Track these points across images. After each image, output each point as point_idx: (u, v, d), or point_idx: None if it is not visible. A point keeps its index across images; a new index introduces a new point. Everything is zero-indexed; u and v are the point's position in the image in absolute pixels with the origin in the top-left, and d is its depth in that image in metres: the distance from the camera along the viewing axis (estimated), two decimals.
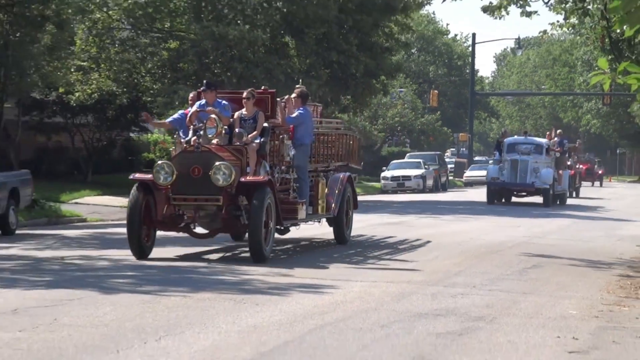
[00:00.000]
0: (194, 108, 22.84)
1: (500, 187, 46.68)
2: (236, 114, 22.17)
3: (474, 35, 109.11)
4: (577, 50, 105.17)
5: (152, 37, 56.11)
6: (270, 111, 23.20)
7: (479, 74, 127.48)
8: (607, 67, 16.16)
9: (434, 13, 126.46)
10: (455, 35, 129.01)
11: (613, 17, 19.66)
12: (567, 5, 33.86)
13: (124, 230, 26.40)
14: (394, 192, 77.32)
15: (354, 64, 58.82)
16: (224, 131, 21.43)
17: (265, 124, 21.78)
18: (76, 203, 49.48)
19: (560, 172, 48.61)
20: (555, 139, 51.64)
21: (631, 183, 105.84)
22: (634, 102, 63.67)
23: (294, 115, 23.26)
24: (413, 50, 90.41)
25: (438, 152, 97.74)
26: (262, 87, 28.79)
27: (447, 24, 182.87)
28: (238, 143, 21.34)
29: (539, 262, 26.19)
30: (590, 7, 32.34)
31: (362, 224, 39.40)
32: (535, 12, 35.56)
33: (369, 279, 21.65)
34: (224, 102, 22.08)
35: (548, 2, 32.63)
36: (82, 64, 55.06)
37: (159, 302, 18.09)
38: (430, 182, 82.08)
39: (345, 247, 30.68)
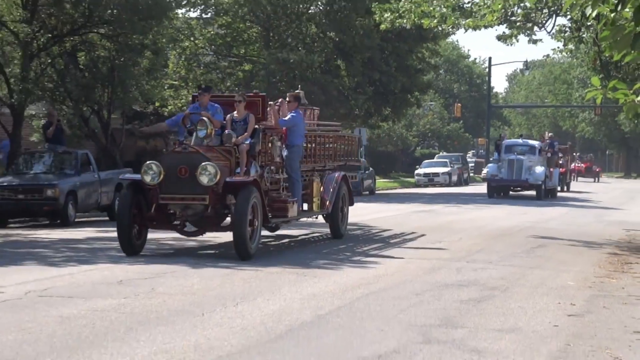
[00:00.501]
0: (188, 110, 21.73)
1: (498, 183, 46.36)
2: (228, 117, 20.61)
3: (490, 58, 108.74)
4: (573, 71, 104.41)
5: (230, 61, 56.09)
6: (261, 114, 21.63)
7: (494, 90, 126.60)
8: (599, 85, 16.27)
9: (457, 41, 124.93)
10: (475, 58, 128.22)
11: (603, 44, 19.77)
12: (566, 35, 33.78)
13: None
14: (425, 185, 76.46)
15: (392, 82, 58.60)
16: (214, 132, 19.86)
17: (256, 126, 20.22)
18: None
19: (551, 170, 48.34)
20: (547, 141, 51.19)
21: (618, 179, 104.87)
22: (621, 113, 62.96)
23: (286, 118, 21.67)
24: (440, 71, 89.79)
25: (461, 154, 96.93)
26: (254, 91, 28.42)
27: (468, 50, 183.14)
28: (227, 144, 19.79)
29: (542, 242, 26.25)
30: (584, 35, 32.30)
31: (400, 212, 39.37)
32: (540, 40, 35.76)
33: (405, 256, 21.77)
34: (216, 105, 20.69)
35: (550, 31, 32.52)
36: (173, 82, 55.00)
37: (236, 274, 18.71)
38: (454, 178, 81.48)
39: (385, 232, 30.21)
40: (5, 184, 33.51)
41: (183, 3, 51.50)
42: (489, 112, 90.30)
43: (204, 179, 18.27)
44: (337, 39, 55.26)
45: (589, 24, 26.65)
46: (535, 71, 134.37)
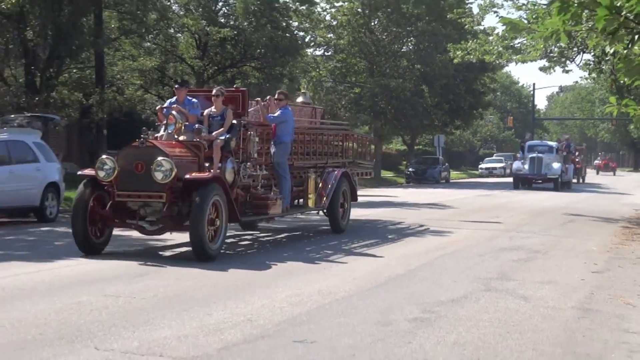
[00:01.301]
0: (164, 105, 17.12)
1: (522, 176, 44.22)
2: (206, 112, 16.37)
3: (534, 84, 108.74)
4: (595, 93, 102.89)
5: (344, 86, 55.96)
6: (242, 109, 17.08)
7: (537, 107, 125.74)
8: (615, 102, 16.19)
9: (510, 71, 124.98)
10: (523, 84, 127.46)
11: (618, 73, 19.62)
12: (590, 66, 33.50)
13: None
14: (486, 176, 75.57)
15: (462, 101, 58.18)
16: (183, 127, 15.60)
17: (234, 121, 15.79)
18: None
19: (567, 166, 46.02)
20: (564, 142, 48.97)
21: (629, 172, 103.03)
22: (631, 123, 61.89)
23: (275, 114, 17.40)
24: (497, 93, 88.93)
25: (512, 153, 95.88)
26: (235, 86, 22.40)
27: (518, 77, 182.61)
28: (197, 139, 15.34)
29: (572, 219, 25.92)
30: (604, 67, 31.90)
31: (467, 195, 38.93)
32: (571, 70, 35.69)
33: (471, 227, 21.62)
34: (193, 100, 16.46)
35: (578, 64, 32.39)
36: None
37: (353, 241, 18.55)
38: (507, 171, 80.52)
39: (456, 209, 29.51)
40: None
41: (311, 44, 51.65)
42: (533, 123, 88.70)
43: (158, 175, 14.04)
44: (422, 70, 54.99)
45: (607, 58, 26.29)
46: (567, 93, 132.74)
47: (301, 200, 19.49)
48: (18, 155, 21.72)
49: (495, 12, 30.33)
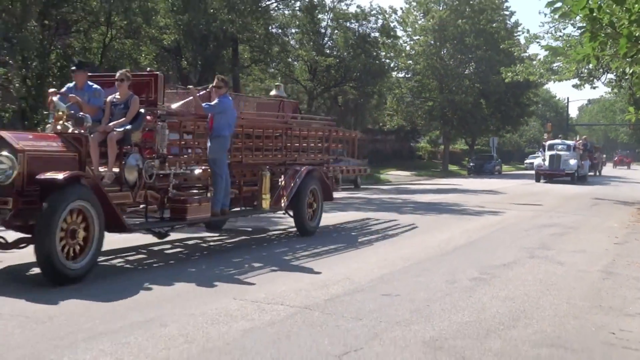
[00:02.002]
0: (60, 91, 11.27)
1: (543, 171, 41.05)
2: (108, 99, 11.10)
3: (568, 97, 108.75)
4: (617, 104, 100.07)
5: (420, 100, 55.45)
6: (154, 96, 11.52)
7: (570, 115, 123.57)
8: (633, 111, 15.95)
9: (549, 87, 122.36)
10: (559, 97, 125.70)
11: (635, 88, 19.29)
12: (613, 83, 32.92)
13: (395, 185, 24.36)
14: (530, 169, 74.53)
15: (511, 111, 57.51)
16: (65, 117, 10.12)
17: (141, 110, 10.79)
18: (387, 174, 46.56)
19: (583, 162, 42.96)
20: (581, 141, 45.71)
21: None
22: None
23: (212, 102, 12.22)
24: (539, 105, 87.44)
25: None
26: (148, 69, 15.67)
27: (555, 92, 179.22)
28: (81, 130, 10.03)
29: (597, 202, 25.32)
30: (624, 84, 31.31)
31: (515, 184, 38.31)
32: (597, 87, 35.22)
33: (518, 209, 21.22)
34: (95, 86, 11.14)
35: (604, 82, 31.96)
36: (389, 112, 54.82)
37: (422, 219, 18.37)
38: None
39: (505, 195, 28.75)
40: None
41: (395, 69, 51.34)
42: (567, 128, 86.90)
43: None
44: (480, 88, 54.33)
45: (626, 77, 25.70)
46: (594, 104, 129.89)
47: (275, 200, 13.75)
48: None
49: (537, 42, 30.08)
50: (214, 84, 12.39)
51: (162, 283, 8.85)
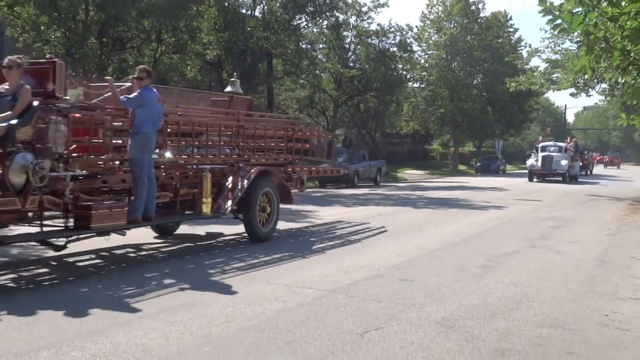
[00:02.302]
0: None
1: (536, 171, 38.85)
2: None
3: (565, 105, 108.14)
4: (609, 110, 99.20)
5: (433, 107, 54.99)
6: (53, 87, 8.55)
7: (567, 121, 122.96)
8: (624, 117, 15.82)
9: (548, 96, 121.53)
10: (557, 105, 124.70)
11: (626, 96, 19.17)
12: (606, 92, 32.60)
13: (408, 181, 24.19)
14: None
15: (515, 117, 57.17)
16: None
17: (35, 103, 7.90)
18: (403, 173, 46.37)
19: (573, 163, 40.38)
20: (572, 143, 43.01)
21: (632, 166, 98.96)
22: (636, 131, 59.72)
23: (132, 95, 9.48)
24: (539, 111, 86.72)
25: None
26: (47, 55, 10.12)
27: (554, 100, 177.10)
28: None
29: (591, 198, 25.07)
30: (616, 93, 31.03)
31: (518, 182, 37.99)
32: (592, 95, 35.06)
33: (520, 204, 21.09)
34: None
35: (598, 91, 31.64)
36: (406, 119, 54.50)
37: (436, 214, 18.26)
38: None
39: (509, 191, 28.53)
40: None
41: (411, 79, 50.97)
42: (565, 132, 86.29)
43: None
44: (487, 96, 54.06)
45: (618, 86, 25.44)
46: (589, 111, 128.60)
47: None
48: None
49: (538, 55, 29.87)
50: (136, 74, 9.80)
51: (203, 270, 8.95)
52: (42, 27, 21.37)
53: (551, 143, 41.23)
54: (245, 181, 10.99)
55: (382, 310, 6.75)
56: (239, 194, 10.83)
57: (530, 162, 39.94)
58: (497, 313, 6.78)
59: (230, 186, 10.90)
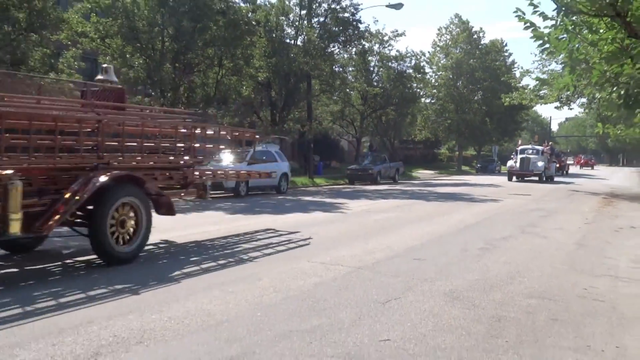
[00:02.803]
0: None
1: (515, 172, 35.43)
2: None
3: (550, 116, 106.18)
4: (587, 121, 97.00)
5: (442, 119, 54.50)
6: None
7: (552, 130, 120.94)
8: (600, 126, 15.52)
9: (536, 109, 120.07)
10: (544, 117, 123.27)
11: (602, 109, 18.82)
12: (585, 105, 32.15)
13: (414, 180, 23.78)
14: None
15: (508, 127, 56.49)
16: None
17: None
18: (417, 172, 46.09)
19: (550, 164, 36.96)
20: (548, 147, 39.52)
21: (605, 167, 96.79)
22: (609, 138, 58.25)
23: None
24: (529, 122, 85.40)
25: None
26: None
27: (541, 113, 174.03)
28: None
29: (572, 193, 24.66)
30: (593, 106, 30.53)
31: (506, 180, 37.93)
32: (572, 108, 34.09)
33: (513, 198, 20.80)
34: None
35: (578, 104, 31.28)
36: (419, 128, 53.59)
37: (439, 205, 18.06)
38: None
39: (504, 187, 28.30)
40: None
41: (423, 96, 50.37)
42: (550, 139, 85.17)
43: None
44: (486, 109, 53.63)
45: (595, 100, 25.00)
46: (570, 121, 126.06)
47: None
48: (268, 158, 22.34)
49: (529, 75, 29.80)
50: None
51: (257, 250, 9.02)
52: (127, 55, 21.67)
53: (529, 146, 38.36)
54: (87, 190, 7.19)
55: (400, 284, 6.74)
56: (74, 207, 7.06)
57: (509, 163, 36.93)
58: (494, 286, 6.73)
59: (67, 197, 7.07)
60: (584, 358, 4.58)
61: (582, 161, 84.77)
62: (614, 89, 11.34)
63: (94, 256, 7.72)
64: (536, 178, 35.10)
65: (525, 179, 35.33)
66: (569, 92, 24.98)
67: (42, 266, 7.66)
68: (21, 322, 5.14)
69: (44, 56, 17.72)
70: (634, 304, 6.20)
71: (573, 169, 64.80)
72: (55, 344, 4.59)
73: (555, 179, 39.27)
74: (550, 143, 43.87)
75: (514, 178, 35.66)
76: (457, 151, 60.58)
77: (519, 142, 44.49)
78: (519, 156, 35.50)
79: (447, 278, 7.10)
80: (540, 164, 35.06)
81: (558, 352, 4.68)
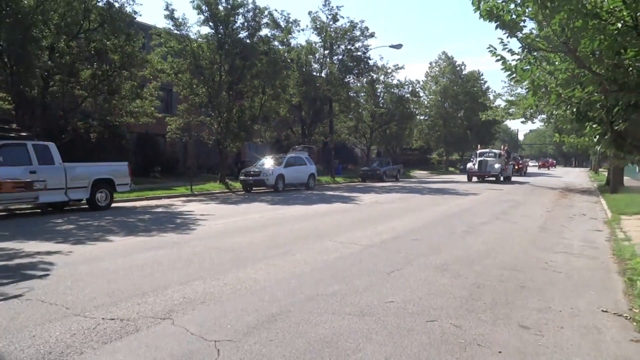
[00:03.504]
0: None
1: (473, 173, 30.28)
2: None
3: (517, 129, 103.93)
4: (547, 132, 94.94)
5: (432, 131, 53.86)
6: None
7: (519, 139, 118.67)
8: (557, 136, 15.18)
9: (507, 123, 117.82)
10: (512, 129, 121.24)
11: (558, 122, 18.35)
12: (545, 120, 31.33)
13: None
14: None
15: (484, 137, 55.23)
16: None
17: None
18: (414, 172, 45.61)
19: (507, 166, 31.42)
20: (505, 150, 33.12)
21: (561, 168, 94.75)
22: (564, 145, 57.04)
23: None
24: (501, 133, 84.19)
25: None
26: None
27: (510, 126, 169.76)
28: None
29: (535, 188, 24.08)
30: (552, 120, 29.62)
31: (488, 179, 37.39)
32: (535, 122, 32.80)
33: (488, 192, 20.36)
34: None
35: (540, 119, 30.26)
36: (415, 139, 52.46)
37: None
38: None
39: (483, 185, 27.63)
40: None
41: (418, 114, 49.49)
42: (517, 147, 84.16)
43: None
44: (467, 124, 52.88)
45: (553, 116, 24.39)
46: (533, 132, 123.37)
47: None
48: (299, 162, 22.34)
49: (500, 97, 29.36)
50: None
51: (287, 232, 8.94)
52: (193, 86, 21.83)
53: (487, 150, 33.74)
54: None
55: (401, 258, 6.66)
56: None
57: (469, 165, 31.85)
58: (475, 261, 6.61)
59: None
60: (546, 316, 4.47)
61: (547, 163, 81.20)
62: (568, 107, 11.06)
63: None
64: (493, 179, 30.42)
65: (485, 179, 30.66)
66: (532, 110, 24.39)
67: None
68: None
69: (132, 87, 17.95)
70: (584, 275, 6.04)
71: (532, 169, 63.04)
72: (140, 303, 4.65)
73: (513, 178, 35.49)
74: (506, 146, 37.60)
75: (474, 178, 30.96)
76: (445, 156, 59.90)
77: (478, 146, 38.99)
78: (478, 159, 31.23)
79: (438, 254, 7.00)
80: (497, 166, 30.63)
81: (526, 312, 4.58)
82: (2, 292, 4.95)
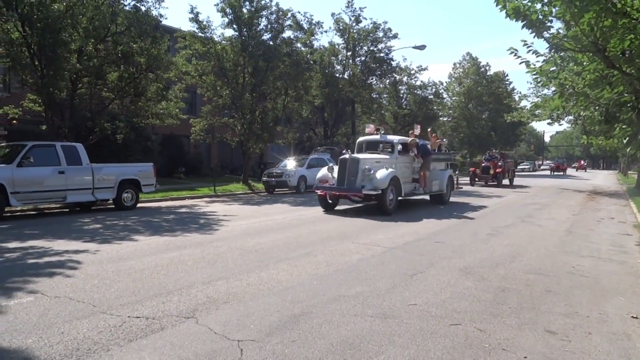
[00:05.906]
0: None
1: (328, 191, 23.23)
2: None
3: (544, 130, 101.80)
4: (574, 134, 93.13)
5: (456, 133, 53.36)
6: None
7: (546, 141, 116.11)
8: (585, 138, 14.83)
9: (532, 125, 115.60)
10: (538, 131, 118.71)
11: (586, 124, 17.97)
12: (572, 122, 30.62)
13: None
14: (520, 172, 70.14)
15: (510, 139, 54.48)
16: None
17: None
18: None
19: (453, 175, 26.61)
20: (414, 136, 29.20)
21: (590, 170, 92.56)
22: (592, 147, 55.52)
23: None
24: (527, 135, 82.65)
25: (532, 161, 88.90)
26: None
27: (536, 127, 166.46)
28: None
29: (562, 191, 23.55)
30: (579, 122, 29.02)
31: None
32: (562, 124, 32.10)
33: (513, 194, 20.11)
34: None
35: (567, 121, 29.57)
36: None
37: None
38: (531, 170, 75.01)
39: (501, 188, 27.60)
40: None
41: (442, 115, 49.10)
42: (543, 149, 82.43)
43: None
44: (492, 125, 52.02)
45: (580, 117, 23.84)
46: (560, 134, 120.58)
47: None
48: (321, 164, 22.27)
49: (526, 99, 28.53)
50: None
51: (309, 233, 8.92)
52: (217, 88, 22.05)
53: (378, 137, 29.81)
54: None
55: (424, 261, 6.61)
56: None
57: (323, 171, 24.41)
58: (499, 264, 6.52)
59: None
60: (573, 321, 4.38)
61: (577, 166, 78.25)
62: (596, 108, 10.84)
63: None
64: (495, 182, 27.29)
65: (489, 183, 27.77)
66: (559, 112, 23.97)
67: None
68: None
69: (158, 89, 18.21)
70: (613, 279, 5.89)
71: (543, 171, 61.19)
72: (164, 302, 4.69)
73: (517, 181, 32.23)
74: (417, 132, 33.31)
75: (476, 180, 28.36)
76: (469, 158, 59.17)
77: (487, 153, 34.10)
78: (484, 164, 28.08)
79: (461, 257, 6.92)
80: (382, 175, 23.94)
81: (552, 316, 4.49)
82: (32, 289, 5.08)
